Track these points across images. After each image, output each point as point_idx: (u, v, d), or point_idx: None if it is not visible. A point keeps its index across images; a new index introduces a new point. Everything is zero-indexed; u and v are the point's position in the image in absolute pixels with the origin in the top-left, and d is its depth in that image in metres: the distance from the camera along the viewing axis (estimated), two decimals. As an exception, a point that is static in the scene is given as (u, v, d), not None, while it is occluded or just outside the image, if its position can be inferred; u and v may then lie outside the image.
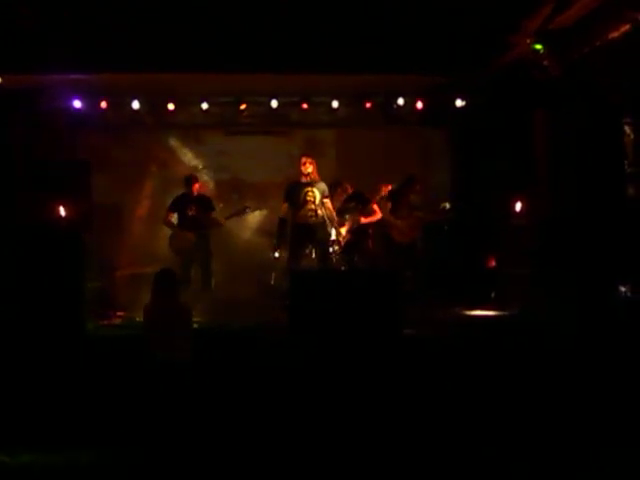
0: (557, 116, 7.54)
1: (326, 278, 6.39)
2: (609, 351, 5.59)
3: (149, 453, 4.44)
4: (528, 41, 7.07)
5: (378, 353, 5.50)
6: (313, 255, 7.38)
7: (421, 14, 6.81)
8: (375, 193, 8.02)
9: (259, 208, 8.78)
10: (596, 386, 5.18)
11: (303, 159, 7.24)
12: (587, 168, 7.13)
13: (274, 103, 8.77)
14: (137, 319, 6.49)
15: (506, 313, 7.43)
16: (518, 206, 8.19)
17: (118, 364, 5.41)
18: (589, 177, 7.11)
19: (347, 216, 7.95)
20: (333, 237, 7.29)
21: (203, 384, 5.12)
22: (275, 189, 8.27)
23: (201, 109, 8.85)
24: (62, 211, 8.00)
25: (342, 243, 7.47)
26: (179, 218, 7.97)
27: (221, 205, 8.52)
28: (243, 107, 8.89)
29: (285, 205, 7.36)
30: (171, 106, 8.80)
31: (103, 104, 8.66)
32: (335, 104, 8.94)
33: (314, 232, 7.19)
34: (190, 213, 7.86)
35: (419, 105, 8.98)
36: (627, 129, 7.18)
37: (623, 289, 6.68)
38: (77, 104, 8.54)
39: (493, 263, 8.59)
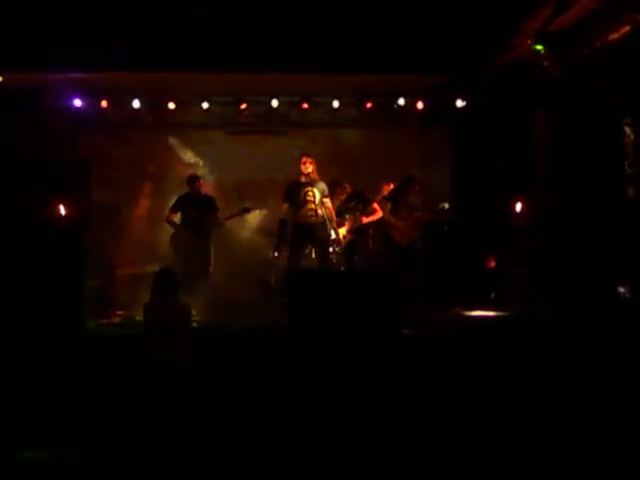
0: (557, 117, 7.55)
1: (326, 278, 6.39)
2: (609, 351, 5.59)
3: (149, 453, 4.44)
4: (529, 42, 7.09)
5: (378, 353, 5.51)
6: (313, 255, 7.39)
7: (421, 14, 6.83)
8: (377, 192, 8.02)
9: (259, 208, 8.78)
10: (596, 386, 5.18)
11: (303, 159, 7.24)
12: (587, 169, 7.14)
13: (274, 103, 8.77)
14: (137, 318, 6.52)
15: (506, 313, 7.43)
16: (518, 206, 8.19)
17: (118, 363, 5.42)
18: (589, 178, 7.12)
19: (347, 216, 7.95)
20: (333, 237, 7.29)
21: (203, 384, 5.13)
22: (275, 189, 8.25)
23: (201, 108, 8.85)
24: (62, 210, 8.02)
25: (342, 243, 7.48)
26: (182, 217, 7.96)
27: (222, 204, 8.51)
28: (243, 107, 8.89)
29: (285, 205, 7.36)
30: (171, 105, 8.80)
31: (103, 103, 8.66)
32: (335, 104, 8.95)
33: (314, 232, 7.19)
34: (193, 213, 7.84)
35: (419, 105, 8.99)
36: (627, 130, 7.18)
37: (622, 290, 6.68)
38: (77, 103, 8.54)
39: (493, 263, 8.59)
